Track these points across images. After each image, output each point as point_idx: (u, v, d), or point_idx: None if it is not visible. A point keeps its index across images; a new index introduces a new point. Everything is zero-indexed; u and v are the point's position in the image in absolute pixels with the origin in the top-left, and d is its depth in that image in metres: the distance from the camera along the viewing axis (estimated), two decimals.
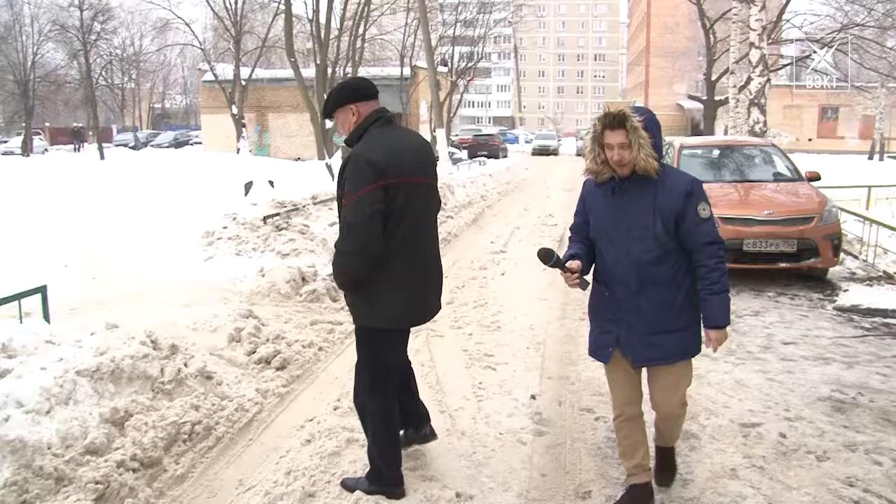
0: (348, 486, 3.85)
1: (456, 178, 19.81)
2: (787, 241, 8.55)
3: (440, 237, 11.13)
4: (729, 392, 5.40)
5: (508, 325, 7.02)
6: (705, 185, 9.43)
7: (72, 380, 4.04)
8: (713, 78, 28.77)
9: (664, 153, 11.36)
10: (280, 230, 9.02)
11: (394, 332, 3.73)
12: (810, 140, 46.01)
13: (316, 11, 22.54)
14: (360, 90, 3.66)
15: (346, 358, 6.04)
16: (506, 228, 13.60)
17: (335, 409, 4.89)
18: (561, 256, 3.44)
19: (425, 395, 5.22)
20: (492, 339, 6.58)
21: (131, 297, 6.74)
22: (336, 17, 24.23)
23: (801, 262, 8.68)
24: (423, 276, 3.75)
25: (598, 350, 3.62)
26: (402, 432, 4.06)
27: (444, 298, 7.78)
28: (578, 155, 50.05)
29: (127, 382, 4.30)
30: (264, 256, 8.11)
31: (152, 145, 51.16)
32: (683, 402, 3.76)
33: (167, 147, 50.05)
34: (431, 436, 4.22)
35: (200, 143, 46.82)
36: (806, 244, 8.58)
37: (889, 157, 35.71)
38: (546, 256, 3.36)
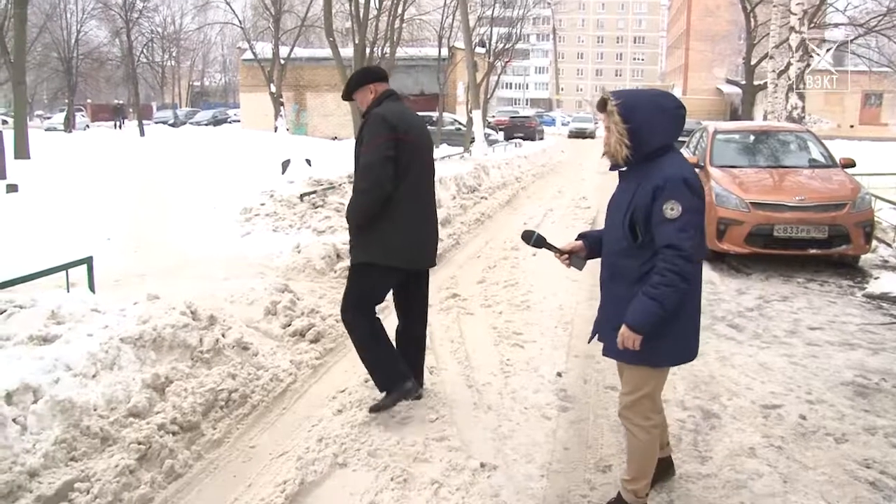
0: (377, 408, 4.50)
1: (491, 159, 19.86)
2: (819, 227, 8.49)
3: (474, 217, 11.29)
4: (752, 374, 5.45)
5: (538, 305, 7.12)
6: (738, 171, 9.42)
7: (116, 346, 4.23)
8: (753, 62, 28.24)
9: (697, 139, 11.22)
10: (316, 208, 9.21)
11: (386, 269, 4.40)
12: (852, 127, 45.07)
13: None
14: (378, 72, 4.52)
15: None
16: (539, 210, 13.66)
17: (365, 382, 5.02)
18: (545, 237, 3.56)
19: (454, 370, 5.39)
20: (521, 318, 6.69)
21: (171, 271, 6.96)
22: None
23: (831, 248, 8.62)
24: (420, 228, 4.44)
25: (592, 331, 3.63)
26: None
27: (475, 277, 8.00)
28: None
29: (168, 350, 4.49)
30: (300, 233, 8.31)
31: (191, 123, 51.82)
32: (645, 416, 3.36)
33: (206, 125, 50.66)
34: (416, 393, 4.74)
35: (238, 121, 47.31)
36: (837, 231, 8.52)
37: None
38: (526, 237, 3.55)
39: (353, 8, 22.69)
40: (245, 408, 4.52)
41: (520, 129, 40.00)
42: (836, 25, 24.30)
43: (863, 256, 9.05)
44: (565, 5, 45.92)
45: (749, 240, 8.59)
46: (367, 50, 23.91)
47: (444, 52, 30.87)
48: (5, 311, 4.51)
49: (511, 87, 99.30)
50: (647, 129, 3.12)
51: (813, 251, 8.59)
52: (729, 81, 31.55)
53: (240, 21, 35.44)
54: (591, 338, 3.57)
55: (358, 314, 4.49)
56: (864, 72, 40.18)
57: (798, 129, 11.16)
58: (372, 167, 4.14)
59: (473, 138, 26.72)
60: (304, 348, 5.47)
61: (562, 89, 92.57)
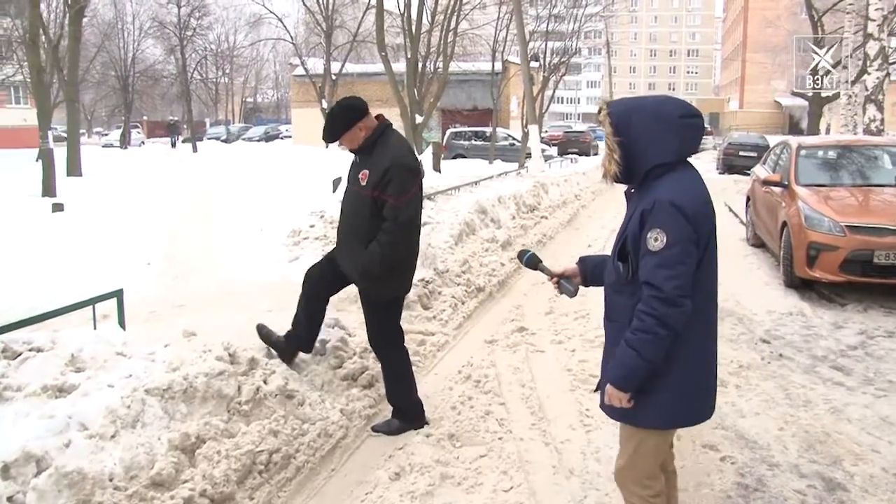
0: (380, 430, 4.52)
1: (548, 176, 19.13)
2: None
3: (535, 239, 10.62)
4: (874, 432, 4.66)
5: None
6: (828, 190, 8.52)
7: (140, 399, 3.64)
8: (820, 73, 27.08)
9: (778, 155, 10.35)
10: None
11: (402, 298, 4.60)
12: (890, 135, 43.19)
13: (407, 6, 22.15)
14: (362, 107, 4.24)
15: (441, 374, 5.56)
16: (602, 232, 12.88)
17: (427, 437, 4.38)
18: (539, 258, 3.22)
19: (526, 421, 4.71)
20: (596, 358, 5.92)
21: (212, 300, 6.40)
22: (427, 12, 23.78)
23: None
24: (416, 256, 4.54)
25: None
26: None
27: (542, 308, 7.34)
28: None
29: (200, 403, 3.89)
30: None
31: (243, 139, 52.12)
32: (641, 483, 2.83)
33: (258, 140, 50.91)
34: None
35: (290, 136, 47.39)
36: None
37: None
38: (520, 256, 3.26)
39: (405, 23, 22.25)
40: (288, 471, 3.89)
41: (574, 145, 39.33)
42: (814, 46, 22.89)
43: None
44: (618, 19, 45.02)
45: (845, 267, 7.73)
46: (420, 65, 23.48)
47: (498, 66, 30.31)
48: (20, 354, 3.95)
49: (563, 102, 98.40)
50: (642, 144, 2.62)
51: None
52: (794, 93, 30.31)
53: (292, 37, 35.39)
54: (597, 388, 2.98)
55: (395, 348, 4.54)
56: None
57: (890, 144, 10.22)
58: (409, 224, 4.18)
59: (529, 154, 26.04)
60: (356, 395, 4.82)
61: None
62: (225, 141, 51.70)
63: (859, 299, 7.85)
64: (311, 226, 8.71)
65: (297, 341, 4.78)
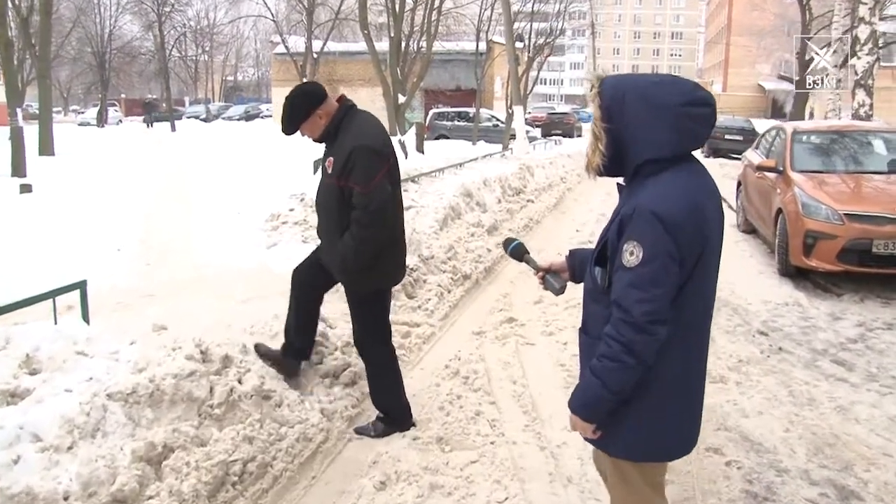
0: (363, 432, 4.23)
1: (534, 158, 18.82)
2: None
3: (522, 223, 10.34)
4: (884, 433, 4.44)
5: None
6: (825, 176, 8.26)
7: (101, 405, 3.32)
8: (807, 57, 26.83)
9: (772, 140, 10.08)
10: None
11: (389, 290, 4.30)
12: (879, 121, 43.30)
13: None
14: (319, 93, 3.91)
15: (428, 368, 5.27)
16: (590, 215, 12.63)
17: (414, 441, 4.09)
18: (526, 248, 2.89)
19: (519, 423, 4.42)
20: None
21: (186, 288, 6.05)
22: None
23: None
24: (404, 242, 4.25)
25: None
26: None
27: (531, 296, 7.05)
28: None
29: (168, 407, 3.57)
30: None
31: (223, 118, 51.41)
32: None
33: (238, 120, 50.25)
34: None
35: (270, 115, 46.81)
36: None
37: None
38: (505, 245, 2.94)
39: (388, 1, 21.78)
40: (265, 481, 3.58)
41: (558, 126, 38.97)
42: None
43: None
44: (603, 0, 44.56)
45: (843, 256, 7.50)
46: (403, 44, 23.04)
47: (482, 46, 29.88)
48: None
49: (546, 83, 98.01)
50: (633, 134, 2.22)
51: None
52: (781, 77, 30.10)
53: (273, 14, 34.75)
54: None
55: (380, 345, 4.23)
56: None
57: (888, 130, 9.98)
58: (380, 213, 3.80)
59: (513, 135, 25.68)
60: (337, 393, 4.52)
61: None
62: (204, 120, 50.92)
63: (855, 289, 7.65)
64: (291, 209, 8.34)
65: (294, 351, 4.46)
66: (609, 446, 2.39)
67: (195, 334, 4.18)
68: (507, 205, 11.97)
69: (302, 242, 7.40)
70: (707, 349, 2.44)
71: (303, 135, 3.95)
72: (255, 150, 17.64)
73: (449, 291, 7.03)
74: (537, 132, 33.24)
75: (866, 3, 16.47)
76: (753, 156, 10.76)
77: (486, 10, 28.99)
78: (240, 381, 4.02)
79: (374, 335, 4.18)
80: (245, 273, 6.49)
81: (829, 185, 8.18)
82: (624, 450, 2.38)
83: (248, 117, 52.32)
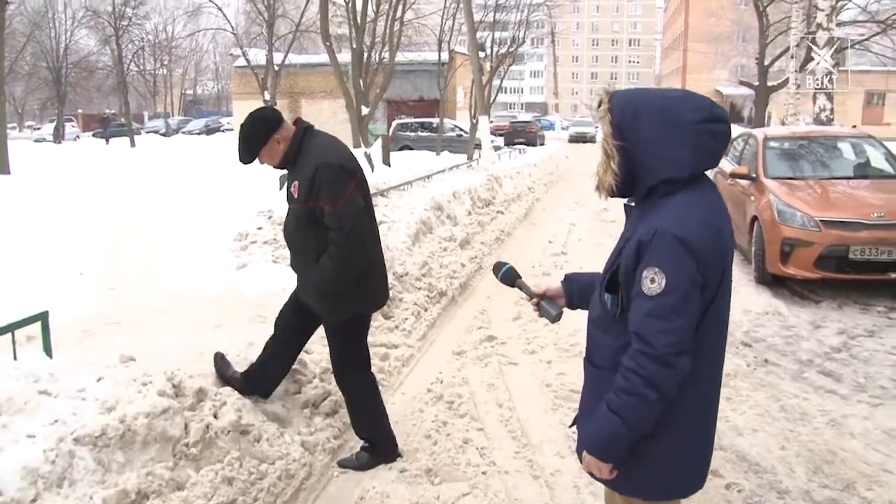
0: (347, 465, 4.01)
1: (500, 168, 18.71)
2: None
3: (493, 236, 10.19)
4: (882, 448, 4.38)
5: None
6: (799, 183, 8.23)
7: (68, 451, 3.08)
8: (766, 62, 27.26)
9: (742, 147, 10.07)
10: None
11: (369, 315, 4.09)
12: (854, 127, 44.18)
13: None
14: (273, 118, 3.72)
15: (409, 393, 5.08)
16: (560, 225, 12.53)
17: (402, 473, 3.91)
18: (518, 273, 2.72)
19: (509, 449, 4.25)
20: (575, 369, 5.52)
21: (154, 315, 5.78)
22: (372, 1, 23.09)
23: None
24: (383, 263, 4.05)
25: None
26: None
27: (509, 312, 6.91)
28: None
29: (141, 448, 3.33)
30: None
31: (183, 132, 50.71)
32: None
33: (198, 134, 49.59)
34: None
35: (232, 129, 46.24)
36: None
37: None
38: (495, 269, 2.77)
39: (349, 12, 21.56)
40: None
41: (521, 135, 39.04)
42: (855, 23, 23.25)
43: None
44: (560, 9, 44.76)
45: (820, 263, 7.49)
46: (365, 55, 22.82)
47: (444, 56, 29.78)
48: None
49: (507, 92, 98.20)
50: (648, 152, 2.11)
51: (895, 275, 7.50)
52: (742, 83, 30.42)
53: (232, 27, 34.30)
54: (573, 423, 2.52)
55: (359, 374, 4.02)
56: (866, 71, 39.39)
57: (858, 135, 10.03)
58: (356, 230, 3.60)
59: (477, 144, 25.56)
60: (318, 424, 4.31)
61: (553, 93, 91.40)
62: (164, 134, 50.14)
63: (833, 296, 7.64)
64: (259, 228, 8.07)
65: (253, 387, 4.19)
66: (624, 486, 2.26)
67: (166, 366, 3.96)
68: (478, 217, 11.82)
69: (272, 262, 7.14)
70: (721, 375, 2.32)
71: (262, 162, 3.76)
72: (218, 164, 17.30)
73: (426, 310, 6.85)
74: (500, 141, 33.23)
75: (823, 10, 16.69)
76: (724, 163, 10.74)
77: (447, 19, 28.91)
78: (215, 416, 3.80)
79: (353, 364, 3.97)
80: (214, 297, 6.23)
81: (803, 191, 8.16)
82: (642, 489, 2.25)
83: (209, 131, 51.66)
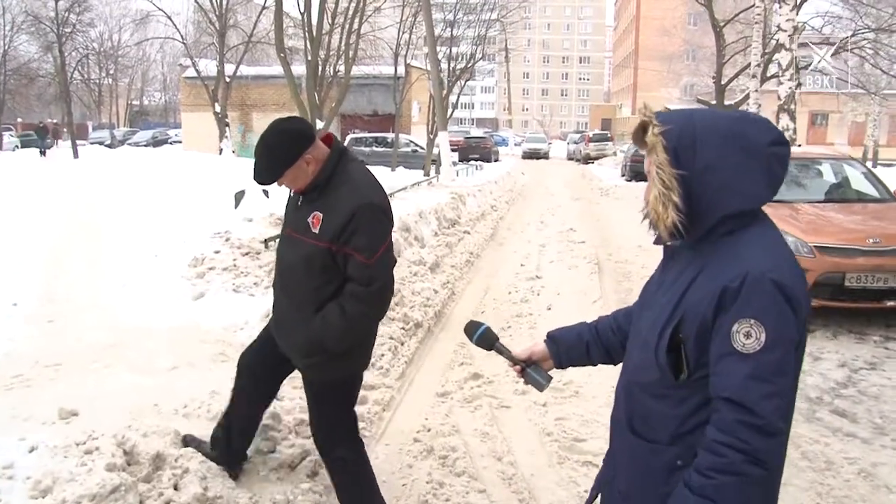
0: None
1: (462, 185, 18.27)
2: None
3: (463, 259, 9.66)
4: None
5: (586, 388, 5.46)
6: (788, 207, 7.89)
7: None
8: (723, 81, 27.44)
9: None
10: None
11: (360, 375, 3.42)
12: (800, 146, 45.00)
13: (308, 6, 20.84)
14: (307, 133, 2.99)
15: (394, 444, 4.51)
16: (529, 247, 12.06)
17: None
18: (496, 335, 2.34)
19: None
20: (573, 412, 5.04)
21: (100, 354, 5.09)
22: (328, 13, 22.52)
23: None
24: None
25: (593, 486, 2.23)
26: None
27: None
28: (570, 158, 48.84)
29: None
30: (269, 294, 6.32)
31: (129, 144, 49.27)
32: None
33: (145, 146, 48.19)
34: None
35: (180, 141, 45.12)
36: None
37: (881, 164, 34.36)
38: (469, 330, 2.36)
39: (305, 23, 20.94)
40: None
41: (475, 151, 38.83)
42: (813, 44, 23.43)
43: None
44: (511, 26, 44.75)
45: (815, 291, 7.15)
46: (320, 68, 22.22)
47: (400, 70, 29.34)
48: None
49: (458, 107, 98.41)
50: (718, 181, 1.77)
51: (891, 304, 7.22)
52: (699, 101, 30.61)
53: (182, 36, 33.32)
54: (590, 501, 2.19)
55: (347, 444, 3.32)
56: (811, 92, 40.23)
57: (841, 157, 9.78)
58: (387, 289, 3.06)
59: (434, 160, 25.12)
60: (296, 491, 3.70)
61: (505, 109, 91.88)
62: (109, 146, 48.60)
63: (825, 324, 7.37)
64: (216, 252, 7.39)
65: (228, 453, 3.60)
66: None
67: (115, 423, 3.34)
68: (445, 238, 11.31)
69: (233, 292, 6.49)
70: None
71: (281, 185, 3.06)
72: (167, 179, 16.48)
73: (402, 344, 6.27)
74: (455, 157, 32.89)
75: (786, 31, 16.67)
76: None
77: (404, 33, 28.48)
78: (176, 488, 3.20)
79: (339, 433, 3.31)
80: (169, 332, 5.56)
81: (794, 215, 7.83)
82: None
83: (156, 143, 50.31)
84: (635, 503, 1.94)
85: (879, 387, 5.78)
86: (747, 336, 1.67)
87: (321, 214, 2.98)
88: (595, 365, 2.24)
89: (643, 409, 1.91)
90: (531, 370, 2.25)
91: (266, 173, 2.95)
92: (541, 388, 2.26)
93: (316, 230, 2.98)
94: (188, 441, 3.61)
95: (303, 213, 3.05)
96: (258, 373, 3.47)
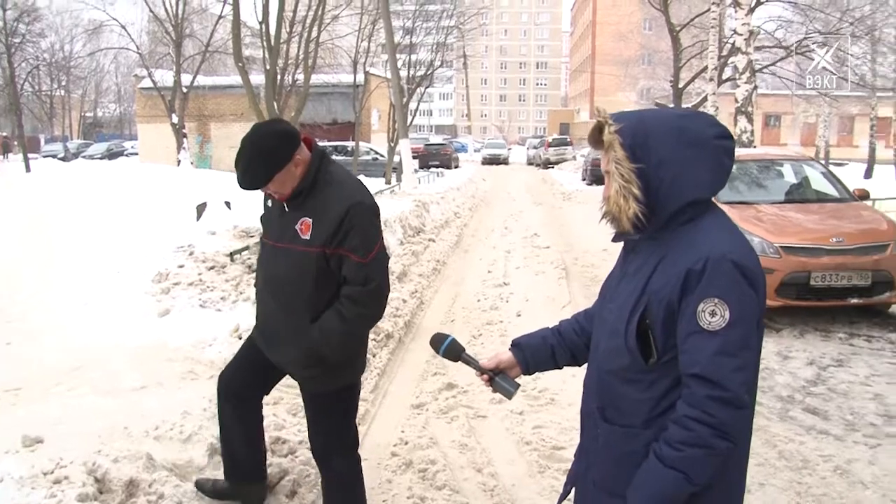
0: None
1: (424, 193, 18.22)
2: (861, 273, 7.31)
3: (430, 267, 9.62)
4: None
5: (562, 395, 5.42)
6: (752, 207, 8.05)
7: None
8: (680, 85, 27.79)
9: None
10: (253, 270, 7.20)
11: (359, 382, 3.39)
12: (755, 147, 45.79)
13: (266, 15, 20.62)
14: (295, 133, 2.94)
15: (372, 459, 4.44)
16: (495, 253, 12.04)
17: None
18: (462, 346, 2.38)
19: None
20: (551, 420, 5.00)
21: (62, 377, 4.92)
22: (286, 22, 22.32)
23: (873, 297, 7.45)
24: None
25: (565, 482, 2.30)
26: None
27: None
28: (530, 164, 49.07)
29: None
30: (237, 308, 6.13)
31: (84, 156, 48.27)
32: None
33: (100, 158, 47.27)
34: None
35: (136, 153, 44.40)
36: (882, 276, 7.38)
37: (832, 164, 35.08)
38: (435, 342, 2.41)
39: (263, 33, 20.73)
40: None
41: (435, 157, 38.89)
42: (762, 48, 23.81)
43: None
44: (469, 32, 44.91)
45: (781, 290, 7.29)
46: (278, 77, 22.02)
47: (359, 78, 29.22)
48: None
49: (417, 115, 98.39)
50: (672, 173, 1.89)
51: (854, 301, 7.34)
52: (657, 104, 31.00)
53: (137, 46, 32.79)
54: (563, 497, 2.28)
55: (347, 457, 3.28)
56: (764, 94, 41.03)
57: (801, 158, 9.92)
58: (383, 289, 3.01)
59: (395, 168, 25.04)
60: None
61: (464, 115, 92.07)
62: (63, 159, 47.63)
63: (791, 323, 7.52)
64: (180, 266, 7.23)
65: (240, 473, 3.48)
66: None
67: (83, 450, 3.21)
68: (411, 246, 11.23)
69: (199, 307, 6.34)
70: None
71: (265, 190, 3.00)
72: (125, 192, 16.16)
73: (374, 356, 6.18)
74: (415, 164, 32.84)
75: (742, 35, 16.93)
76: None
77: (362, 41, 28.37)
78: None
79: (341, 445, 3.23)
80: (135, 352, 5.40)
81: (758, 216, 7.92)
82: None
83: (112, 155, 49.36)
84: (611, 491, 1.98)
85: (848, 383, 5.89)
86: (712, 314, 1.78)
87: (310, 220, 2.92)
88: (561, 368, 2.30)
89: (615, 396, 1.98)
90: (499, 379, 2.28)
91: (256, 177, 2.86)
92: (509, 395, 2.29)
93: (307, 236, 2.92)
94: (200, 485, 3.49)
95: (288, 220, 2.98)
96: (242, 394, 3.38)
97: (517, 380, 2.29)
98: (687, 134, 1.91)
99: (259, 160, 2.83)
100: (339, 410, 3.23)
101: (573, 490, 2.21)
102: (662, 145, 1.90)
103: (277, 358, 3.16)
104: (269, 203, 3.11)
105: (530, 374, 2.34)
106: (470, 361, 2.32)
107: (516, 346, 2.33)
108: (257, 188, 2.92)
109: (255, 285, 3.33)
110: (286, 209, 3.01)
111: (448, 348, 2.32)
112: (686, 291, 1.82)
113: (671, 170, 1.88)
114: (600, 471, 2.05)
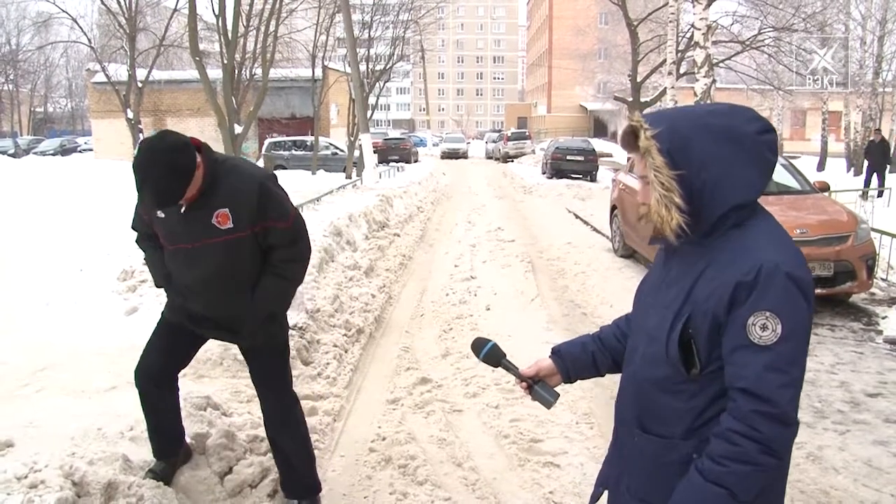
0: None
1: (386, 187, 18.15)
2: (823, 263, 7.45)
3: (397, 262, 9.59)
4: (870, 483, 4.20)
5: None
6: None
7: None
8: (639, 79, 28.07)
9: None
10: None
11: None
12: None
13: (223, 8, 20.32)
14: (188, 140, 2.99)
15: (350, 455, 4.42)
16: (460, 247, 12.04)
17: None
18: (503, 352, 2.26)
19: None
20: (527, 413, 5.01)
21: (27, 379, 4.80)
22: (243, 15, 22.04)
23: (836, 287, 7.59)
24: None
25: (596, 483, 2.21)
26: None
27: (436, 349, 6.32)
28: (489, 158, 49.21)
29: None
30: None
31: (35, 153, 47.18)
32: None
33: (52, 154, 46.27)
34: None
35: (90, 149, 43.55)
36: (843, 266, 7.54)
37: (786, 157, 35.71)
38: (476, 347, 2.30)
39: (220, 26, 20.44)
40: None
41: (394, 152, 38.73)
42: (722, 42, 24.15)
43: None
44: (427, 26, 44.81)
45: None
46: (236, 71, 21.73)
47: (318, 72, 29.00)
48: None
49: (375, 109, 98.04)
50: (714, 176, 1.78)
51: (818, 291, 7.44)
52: (616, 98, 31.21)
53: (89, 40, 32.08)
54: (594, 499, 2.17)
55: (297, 405, 3.61)
56: (722, 89, 41.68)
57: None
58: (307, 243, 3.34)
59: (355, 163, 24.92)
60: None
61: (422, 109, 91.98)
62: (13, 155, 46.51)
63: None
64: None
65: (172, 449, 3.57)
66: None
67: (58, 452, 3.13)
68: (377, 241, 11.18)
69: None
70: None
71: (181, 200, 3.01)
72: (81, 188, 15.87)
73: (346, 351, 6.15)
74: (375, 158, 32.72)
75: (700, 30, 17.12)
76: (629, 179, 10.57)
77: (320, 34, 28.15)
78: None
79: (290, 386, 3.57)
80: (102, 351, 5.29)
81: None
82: None
83: (65, 151, 48.35)
84: (644, 499, 1.93)
85: (815, 371, 6.00)
86: (763, 328, 1.68)
87: (226, 210, 3.06)
88: (602, 375, 2.22)
89: (654, 406, 1.90)
90: (538, 387, 2.20)
91: (173, 193, 2.89)
92: (548, 405, 2.21)
93: (228, 225, 3.07)
94: (155, 475, 3.48)
95: (193, 219, 3.07)
96: (164, 380, 3.50)
97: (557, 389, 2.22)
98: (726, 133, 1.81)
99: (171, 177, 2.85)
100: (281, 362, 3.50)
101: (605, 493, 2.15)
102: (703, 147, 1.80)
103: (228, 337, 3.44)
104: (161, 213, 3.09)
105: (571, 383, 2.27)
106: (510, 368, 2.25)
107: (556, 353, 2.25)
108: (175, 203, 2.97)
109: (171, 289, 3.43)
110: (184, 211, 3.06)
111: (489, 353, 2.25)
112: (735, 304, 1.73)
113: (714, 173, 1.78)
114: (634, 479, 1.99)
